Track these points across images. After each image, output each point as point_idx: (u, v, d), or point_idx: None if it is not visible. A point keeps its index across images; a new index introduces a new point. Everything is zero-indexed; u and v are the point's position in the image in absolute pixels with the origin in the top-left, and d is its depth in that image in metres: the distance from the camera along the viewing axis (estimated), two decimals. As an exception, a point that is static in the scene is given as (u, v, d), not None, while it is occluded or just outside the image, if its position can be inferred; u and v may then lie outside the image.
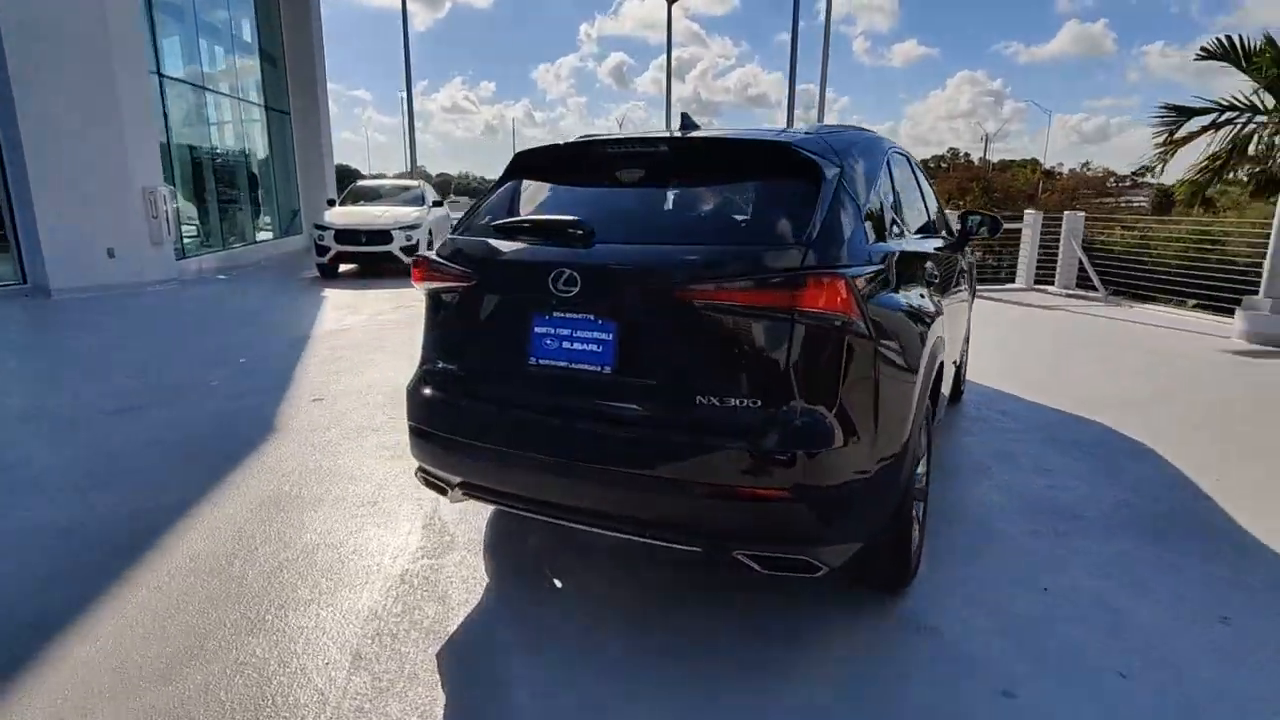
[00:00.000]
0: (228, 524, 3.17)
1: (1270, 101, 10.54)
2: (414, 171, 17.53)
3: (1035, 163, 50.10)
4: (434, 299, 2.62)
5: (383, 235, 12.00)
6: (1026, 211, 11.48)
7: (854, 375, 2.08)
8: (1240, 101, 10.75)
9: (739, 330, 2.08)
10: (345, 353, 6.44)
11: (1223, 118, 10.89)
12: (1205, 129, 10.95)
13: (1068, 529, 3.18)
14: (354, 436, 4.30)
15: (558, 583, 2.75)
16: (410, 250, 12.07)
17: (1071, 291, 10.81)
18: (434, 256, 2.60)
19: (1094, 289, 10.47)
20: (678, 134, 2.64)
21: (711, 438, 2.07)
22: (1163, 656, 2.32)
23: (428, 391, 2.58)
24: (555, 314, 2.28)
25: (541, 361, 2.31)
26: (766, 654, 2.32)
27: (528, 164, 2.77)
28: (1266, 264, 7.21)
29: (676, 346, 2.15)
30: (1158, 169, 11.65)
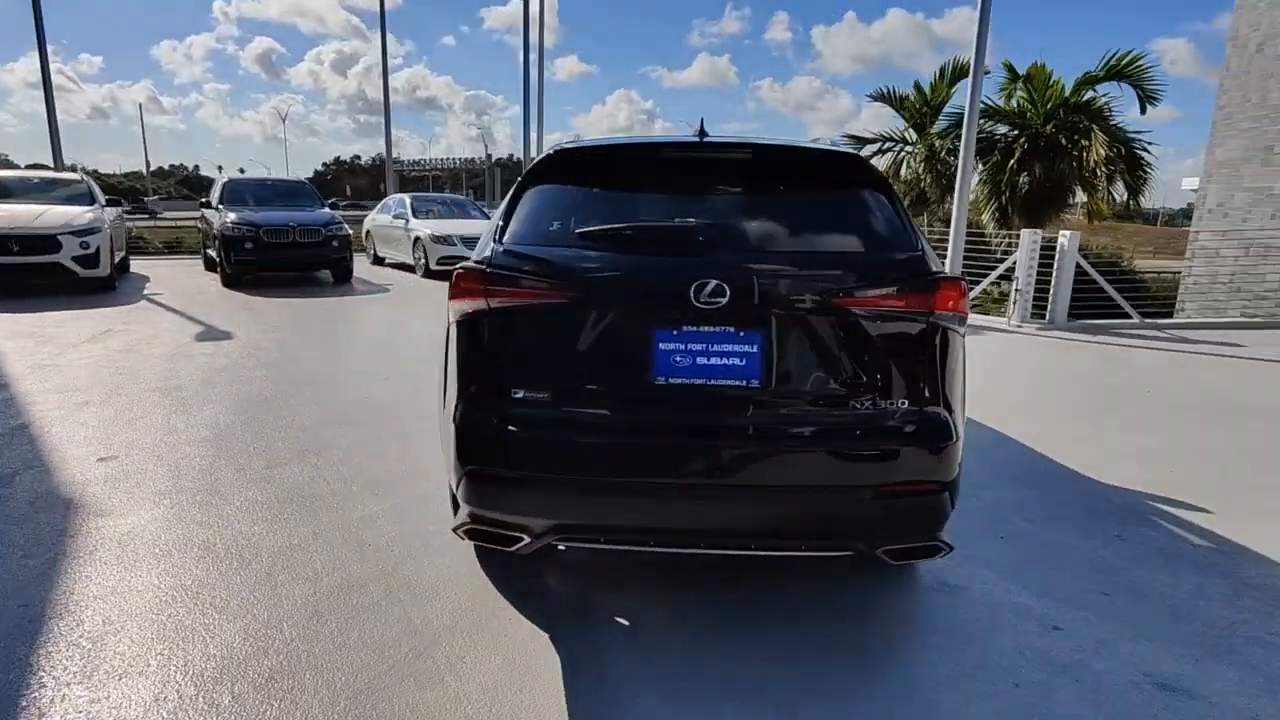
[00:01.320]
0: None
1: (914, 136, 13.64)
2: (59, 162, 13.76)
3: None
4: (494, 318, 2.20)
5: (46, 242, 9.33)
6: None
7: (958, 367, 2.28)
8: (896, 135, 13.71)
9: (883, 335, 2.15)
10: (85, 396, 4.93)
11: (886, 146, 13.81)
12: (875, 154, 13.74)
13: (971, 484, 3.81)
14: (211, 500, 3.36)
15: (623, 621, 2.52)
16: (88, 261, 9.58)
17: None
18: (489, 268, 2.20)
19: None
20: (750, 140, 2.59)
21: (872, 441, 2.11)
22: (1112, 572, 2.94)
23: (505, 426, 2.17)
24: (686, 328, 2.10)
25: (671, 380, 2.11)
26: (848, 635, 2.43)
27: (567, 164, 2.50)
28: (948, 264, 9.26)
29: (825, 354, 2.14)
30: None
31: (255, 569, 2.75)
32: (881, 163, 13.59)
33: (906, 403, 2.15)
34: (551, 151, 2.52)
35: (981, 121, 12.25)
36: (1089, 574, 2.92)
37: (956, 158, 13.20)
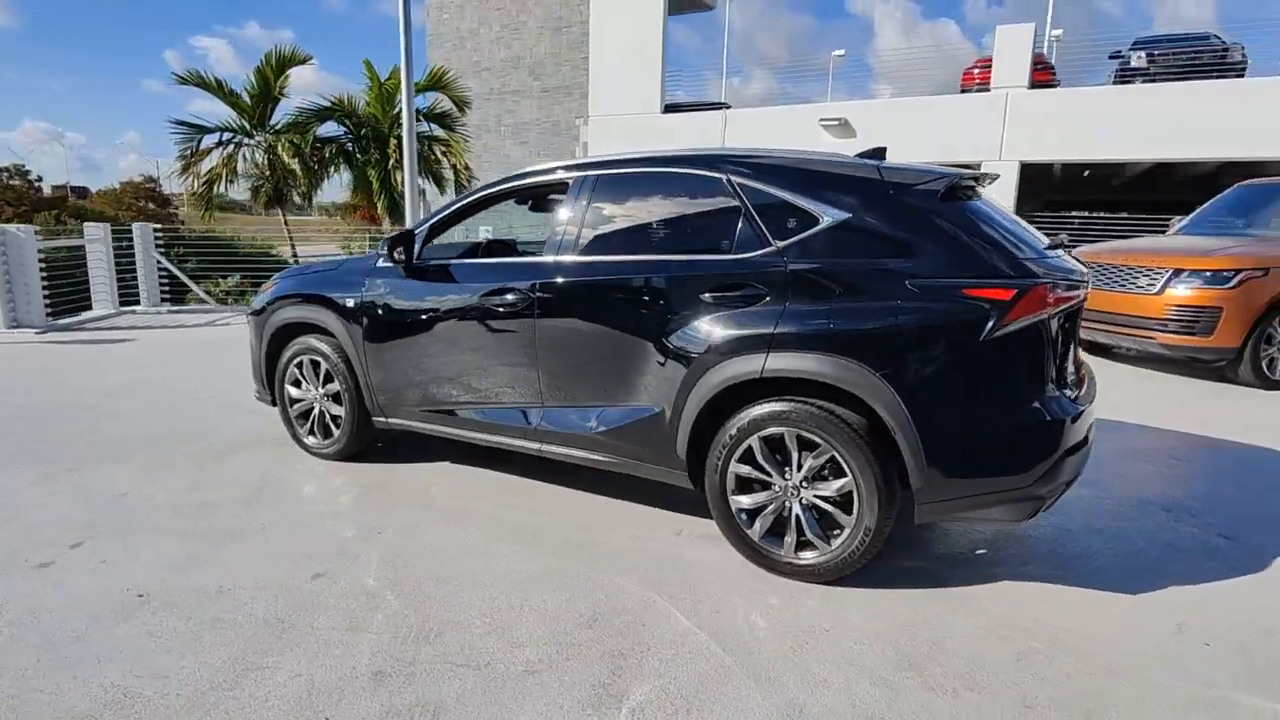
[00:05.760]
0: None
1: (248, 125, 12.16)
2: None
3: None
4: (1047, 324, 2.53)
5: None
6: (90, 226, 9.45)
7: None
8: (234, 124, 11.86)
9: None
10: None
11: (226, 137, 11.75)
12: (216, 145, 11.57)
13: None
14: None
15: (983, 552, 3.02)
16: None
17: (175, 309, 9.98)
18: (1054, 281, 2.55)
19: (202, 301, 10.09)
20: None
21: None
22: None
23: (1073, 409, 2.63)
24: None
25: None
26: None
27: (954, 191, 2.74)
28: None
29: None
30: (187, 179, 11.50)
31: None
32: (220, 156, 11.69)
33: None
34: (955, 180, 2.70)
35: (338, 121, 12.13)
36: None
37: (317, 152, 12.69)
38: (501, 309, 3.28)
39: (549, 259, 3.22)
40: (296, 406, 4.11)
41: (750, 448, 2.78)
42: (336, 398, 3.95)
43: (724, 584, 2.78)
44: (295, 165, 12.11)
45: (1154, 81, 13.32)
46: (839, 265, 2.66)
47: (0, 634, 2.41)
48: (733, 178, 2.89)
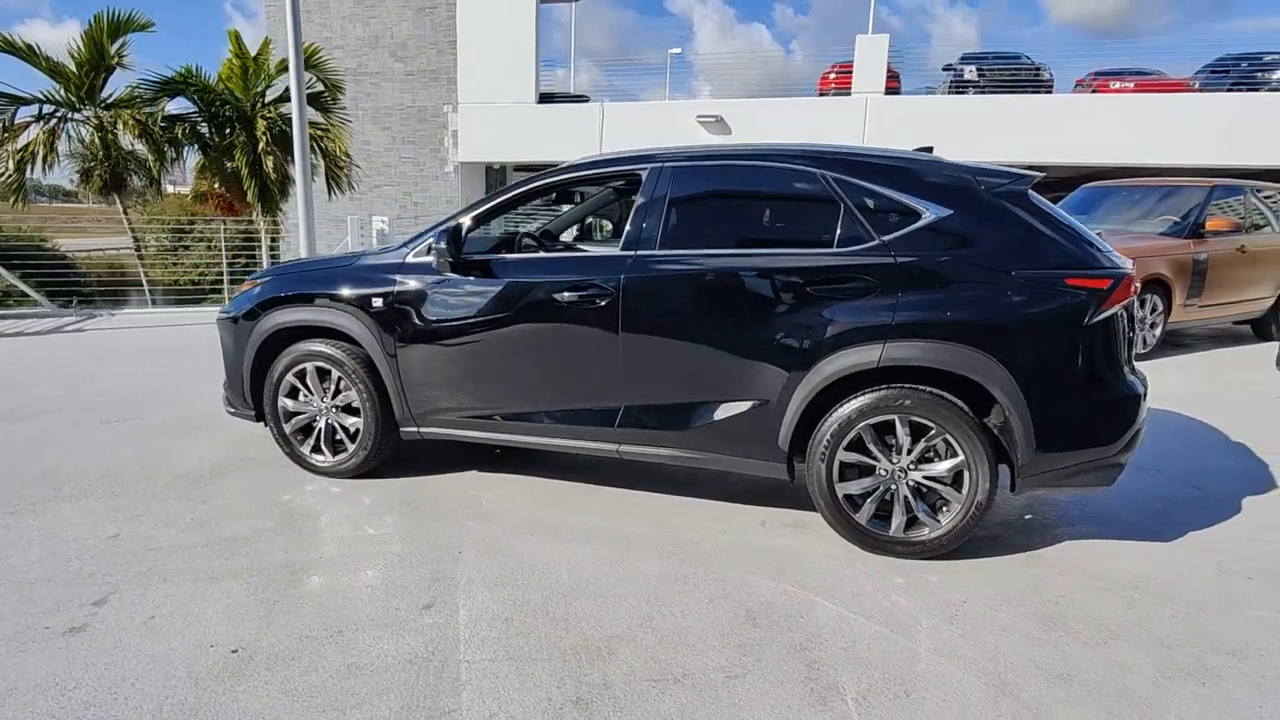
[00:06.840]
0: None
1: (73, 99, 10.27)
2: None
3: None
4: (1125, 311, 2.82)
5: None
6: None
7: None
8: (58, 96, 9.96)
9: None
10: None
11: (46, 110, 9.81)
12: (35, 120, 9.63)
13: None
14: None
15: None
16: None
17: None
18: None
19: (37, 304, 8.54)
20: None
21: None
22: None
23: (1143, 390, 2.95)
24: None
25: None
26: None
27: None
28: (302, 249, 8.66)
29: None
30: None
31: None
32: (36, 131, 9.73)
33: None
34: (1034, 179, 2.92)
35: (187, 97, 10.57)
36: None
37: (165, 132, 11.03)
38: (577, 305, 3.12)
39: (632, 253, 3.10)
40: (295, 421, 3.65)
41: (859, 435, 2.87)
42: (349, 409, 3.56)
43: (839, 568, 2.86)
44: (143, 146, 10.44)
45: (984, 93, 15.07)
46: (946, 258, 2.81)
47: (84, 719, 1.96)
48: (828, 173, 2.96)
